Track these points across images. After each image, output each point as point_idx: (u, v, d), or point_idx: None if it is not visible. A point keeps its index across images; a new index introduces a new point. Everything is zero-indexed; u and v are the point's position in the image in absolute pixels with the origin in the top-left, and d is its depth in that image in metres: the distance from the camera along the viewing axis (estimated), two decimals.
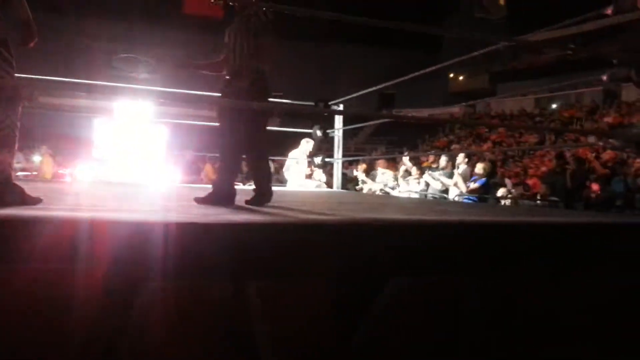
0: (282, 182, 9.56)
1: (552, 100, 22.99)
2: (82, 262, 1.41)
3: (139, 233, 1.48)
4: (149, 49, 18.04)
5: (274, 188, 2.97)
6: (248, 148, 2.85)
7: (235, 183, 2.99)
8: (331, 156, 6.50)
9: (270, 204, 2.82)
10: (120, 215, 1.78)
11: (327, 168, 7.72)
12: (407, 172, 8.46)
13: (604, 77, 2.87)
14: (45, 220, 1.53)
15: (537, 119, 20.97)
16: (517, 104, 23.80)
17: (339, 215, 2.36)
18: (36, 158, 9.42)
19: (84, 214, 1.79)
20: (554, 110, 21.73)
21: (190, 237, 1.51)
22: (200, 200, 2.67)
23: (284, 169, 7.49)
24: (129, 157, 7.33)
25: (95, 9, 17.97)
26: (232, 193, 2.84)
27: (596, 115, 18.24)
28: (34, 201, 2.10)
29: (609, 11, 2.76)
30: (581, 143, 8.86)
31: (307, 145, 6.79)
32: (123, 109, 7.26)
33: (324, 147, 7.00)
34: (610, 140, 2.64)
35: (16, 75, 2.12)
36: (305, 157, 6.90)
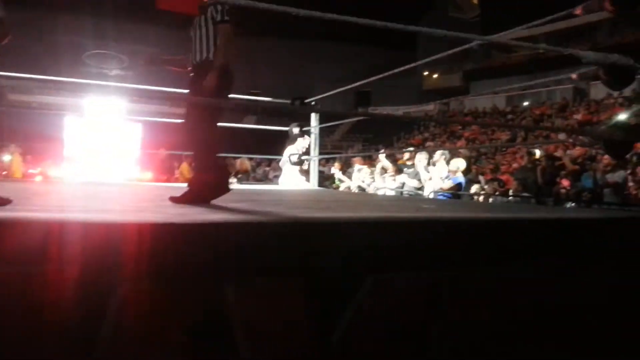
0: (261, 180, 9.49)
1: (523, 97, 23.41)
2: (55, 265, 1.38)
3: (112, 234, 1.45)
4: (121, 44, 17.71)
5: (257, 187, 2.94)
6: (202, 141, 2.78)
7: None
8: (307, 154, 6.50)
9: (246, 202, 2.80)
10: (92, 216, 1.75)
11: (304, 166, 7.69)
12: (384, 170, 8.51)
13: (574, 76, 2.94)
14: (14, 222, 1.49)
15: (509, 116, 21.34)
16: (489, 102, 24.18)
17: (316, 213, 2.36)
18: (5, 157, 9.17)
19: (54, 215, 1.76)
20: (525, 107, 22.13)
21: (165, 238, 1.50)
22: (176, 200, 2.63)
23: (280, 164, 7.31)
24: (101, 156, 7.20)
25: (66, 3, 17.54)
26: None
27: (566, 113, 18.66)
28: (3, 202, 2.05)
29: (578, 11, 2.82)
30: (552, 140, 9.06)
31: (304, 142, 6.71)
32: (94, 107, 7.12)
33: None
34: (580, 137, 2.70)
35: None
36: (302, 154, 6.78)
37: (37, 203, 2.52)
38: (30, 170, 9.03)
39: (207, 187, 2.72)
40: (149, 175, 7.47)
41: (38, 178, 8.05)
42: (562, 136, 10.17)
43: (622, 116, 2.74)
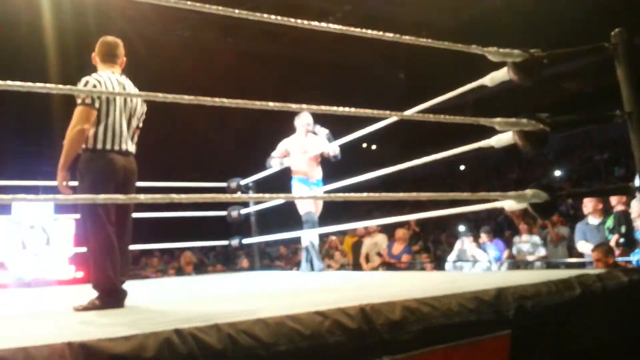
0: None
1: (460, 162, 24.35)
2: None
3: None
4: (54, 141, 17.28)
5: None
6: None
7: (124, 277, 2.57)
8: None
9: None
10: None
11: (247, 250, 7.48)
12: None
13: (494, 144, 2.94)
14: None
15: (449, 180, 22.04)
16: (429, 168, 24.93)
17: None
18: None
19: None
20: (462, 171, 22.99)
21: None
22: (82, 309, 2.32)
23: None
24: (30, 256, 6.80)
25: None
26: (120, 291, 2.45)
27: (500, 174, 19.47)
28: None
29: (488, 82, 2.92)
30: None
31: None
32: (22, 205, 6.78)
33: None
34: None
35: None
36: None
37: None
38: None
39: (99, 295, 2.41)
40: (81, 274, 7.06)
41: None
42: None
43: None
